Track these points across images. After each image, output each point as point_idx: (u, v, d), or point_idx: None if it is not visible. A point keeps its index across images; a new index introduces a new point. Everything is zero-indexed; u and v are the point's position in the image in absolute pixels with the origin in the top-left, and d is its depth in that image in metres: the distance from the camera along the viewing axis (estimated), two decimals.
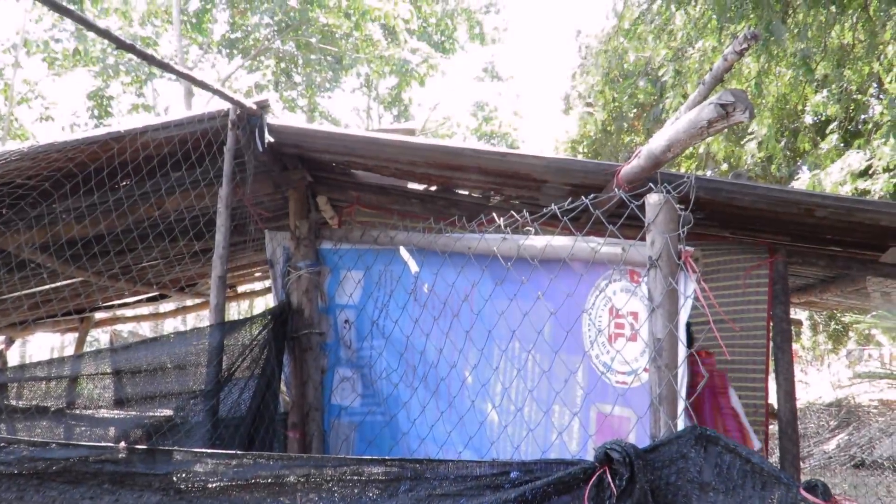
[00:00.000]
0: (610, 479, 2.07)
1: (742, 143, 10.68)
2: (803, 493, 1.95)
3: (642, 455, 2.07)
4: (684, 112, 2.57)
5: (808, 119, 10.78)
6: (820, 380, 17.91)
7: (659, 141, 2.64)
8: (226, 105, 3.54)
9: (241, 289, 8.70)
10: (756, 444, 2.91)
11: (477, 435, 2.93)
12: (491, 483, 2.17)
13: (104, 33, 2.86)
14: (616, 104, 14.67)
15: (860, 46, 8.70)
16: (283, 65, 21.02)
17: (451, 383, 3.13)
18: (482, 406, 2.94)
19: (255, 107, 3.51)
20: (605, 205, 2.58)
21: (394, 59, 18.84)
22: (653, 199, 2.35)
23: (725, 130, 11.37)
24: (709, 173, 13.06)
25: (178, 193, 3.65)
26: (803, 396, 14.90)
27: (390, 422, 3.49)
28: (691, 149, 13.76)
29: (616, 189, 2.54)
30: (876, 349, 19.12)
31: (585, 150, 17.06)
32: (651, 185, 2.42)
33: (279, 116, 3.62)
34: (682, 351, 2.27)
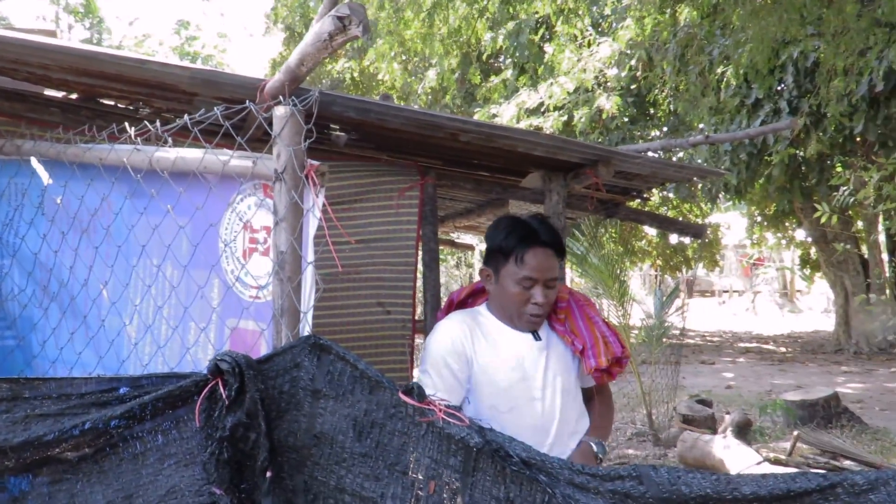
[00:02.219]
0: (222, 390, 2.08)
1: (419, 75, 11.09)
2: (402, 395, 2.11)
3: (254, 365, 2.09)
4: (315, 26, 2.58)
5: (494, 57, 11.36)
6: None
7: (294, 55, 2.64)
8: None
9: None
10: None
11: (108, 354, 2.80)
12: (97, 400, 2.08)
13: None
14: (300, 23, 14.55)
15: None
16: None
17: (83, 302, 2.95)
18: (114, 325, 2.81)
19: None
20: (238, 117, 2.53)
21: None
22: (279, 111, 2.34)
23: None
24: (415, 106, 13.45)
25: None
26: None
27: (21, 345, 3.23)
28: (386, 80, 14.04)
29: (248, 102, 2.49)
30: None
31: None
32: (281, 98, 2.42)
33: None
34: (304, 264, 2.31)
